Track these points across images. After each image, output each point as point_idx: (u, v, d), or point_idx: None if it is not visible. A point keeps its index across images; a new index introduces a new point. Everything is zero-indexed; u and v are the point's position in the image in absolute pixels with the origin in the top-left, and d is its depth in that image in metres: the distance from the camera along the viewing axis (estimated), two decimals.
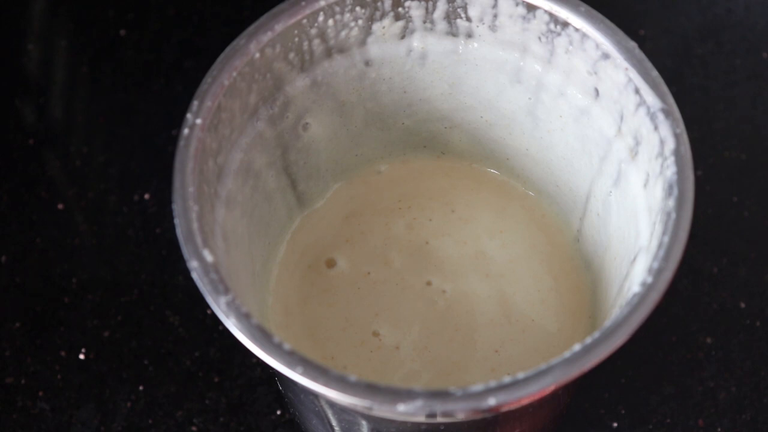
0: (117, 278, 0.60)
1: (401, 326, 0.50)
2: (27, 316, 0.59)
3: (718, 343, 0.58)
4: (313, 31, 0.47)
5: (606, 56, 0.45)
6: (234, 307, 0.40)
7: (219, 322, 0.58)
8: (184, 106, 0.44)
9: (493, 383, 0.39)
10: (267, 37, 0.45)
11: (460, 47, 0.49)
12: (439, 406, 0.38)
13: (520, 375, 0.39)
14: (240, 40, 0.45)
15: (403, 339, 0.50)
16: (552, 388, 0.39)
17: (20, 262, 0.60)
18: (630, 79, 0.44)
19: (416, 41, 0.49)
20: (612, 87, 0.46)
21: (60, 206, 0.61)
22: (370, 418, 0.43)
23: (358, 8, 0.47)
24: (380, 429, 0.44)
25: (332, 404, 0.44)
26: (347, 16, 0.47)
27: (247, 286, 0.47)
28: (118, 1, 0.67)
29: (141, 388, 0.57)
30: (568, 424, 0.56)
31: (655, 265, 0.41)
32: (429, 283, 0.51)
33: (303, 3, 0.46)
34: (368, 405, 0.39)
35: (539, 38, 0.47)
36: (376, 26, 0.48)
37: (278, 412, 0.57)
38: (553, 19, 0.46)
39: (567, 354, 0.39)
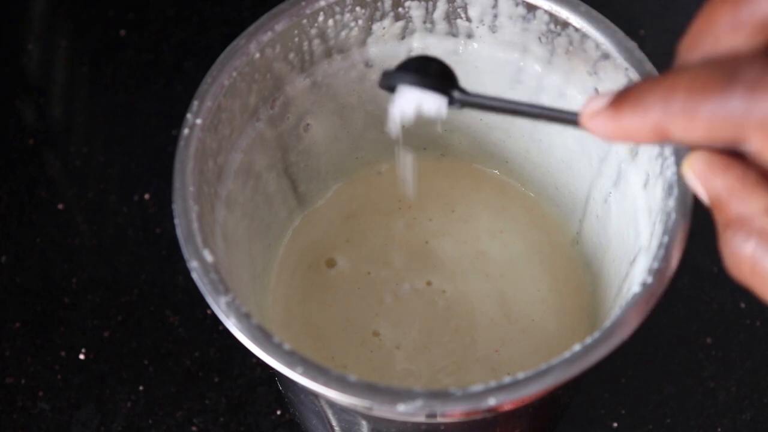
0: (117, 278, 0.60)
1: (401, 326, 0.51)
2: (27, 316, 0.59)
3: (718, 343, 0.58)
4: (313, 31, 0.47)
5: (606, 56, 0.45)
6: (234, 307, 0.40)
7: (219, 322, 0.58)
8: (184, 106, 0.44)
9: (493, 383, 0.39)
10: (267, 37, 0.45)
11: (460, 48, 0.49)
12: (439, 406, 0.38)
13: (520, 375, 0.39)
14: (240, 40, 0.45)
15: (403, 339, 0.50)
16: (552, 388, 0.39)
17: (20, 262, 0.60)
18: (630, 80, 0.44)
19: (416, 42, 0.49)
20: (612, 87, 0.46)
21: (60, 206, 0.61)
22: (370, 418, 0.43)
23: (358, 8, 0.47)
24: (380, 429, 0.44)
25: (332, 404, 0.44)
26: (347, 16, 0.47)
27: (247, 286, 0.47)
28: (118, 1, 0.67)
29: (141, 388, 0.57)
30: (568, 424, 0.56)
31: (655, 265, 0.41)
32: (429, 283, 0.51)
33: (303, 3, 0.46)
34: (368, 405, 0.39)
35: (539, 38, 0.47)
36: (376, 26, 0.48)
37: (278, 412, 0.57)
38: (553, 19, 0.46)
39: (567, 354, 0.39)
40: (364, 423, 0.44)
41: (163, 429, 0.56)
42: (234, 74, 0.45)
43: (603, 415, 0.56)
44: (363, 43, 0.48)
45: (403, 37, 0.49)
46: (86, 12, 0.67)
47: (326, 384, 0.39)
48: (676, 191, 0.42)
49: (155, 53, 0.66)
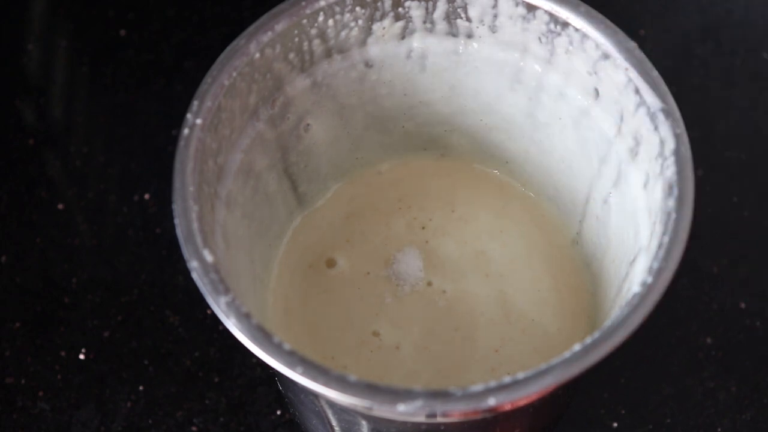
0: (117, 278, 0.60)
1: (401, 326, 0.50)
2: (27, 316, 0.59)
3: (718, 343, 0.58)
4: (313, 31, 0.47)
5: (606, 56, 0.45)
6: (234, 307, 0.40)
7: (219, 322, 0.58)
8: (184, 106, 0.44)
9: (493, 383, 0.39)
10: (267, 37, 0.45)
11: (461, 48, 0.49)
12: (439, 406, 0.38)
13: (520, 375, 0.39)
14: (240, 40, 0.45)
15: (403, 339, 0.50)
16: (552, 388, 0.39)
17: (20, 262, 0.60)
18: (630, 79, 0.44)
19: (416, 42, 0.49)
20: (612, 87, 0.46)
21: (60, 206, 0.61)
22: (370, 418, 0.44)
23: (358, 8, 0.47)
24: (380, 429, 0.44)
25: (332, 404, 0.44)
26: (347, 16, 0.47)
27: (247, 286, 0.47)
28: (118, 1, 0.67)
29: (141, 388, 0.57)
30: (568, 424, 0.56)
31: (655, 265, 0.41)
32: (429, 283, 0.51)
33: (303, 3, 0.46)
34: (368, 405, 0.39)
35: (539, 38, 0.47)
36: (376, 26, 0.48)
37: (278, 412, 0.57)
38: (553, 19, 0.46)
39: (567, 354, 0.39)
40: (364, 423, 0.44)
41: (163, 429, 0.56)
42: (234, 74, 0.45)
43: (603, 415, 0.56)
44: (363, 43, 0.48)
45: (403, 37, 0.49)
46: (86, 12, 0.67)
47: (326, 384, 0.39)
48: (676, 191, 0.42)
49: (155, 53, 0.66)
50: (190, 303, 0.59)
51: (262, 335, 0.40)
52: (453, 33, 0.49)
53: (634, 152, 0.46)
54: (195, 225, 0.42)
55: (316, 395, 0.43)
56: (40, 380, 0.57)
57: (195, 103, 0.44)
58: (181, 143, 0.43)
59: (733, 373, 0.57)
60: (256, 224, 0.49)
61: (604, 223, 0.49)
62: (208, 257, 0.41)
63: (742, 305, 0.59)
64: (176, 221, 0.42)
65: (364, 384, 0.39)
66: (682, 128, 0.43)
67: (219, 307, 0.40)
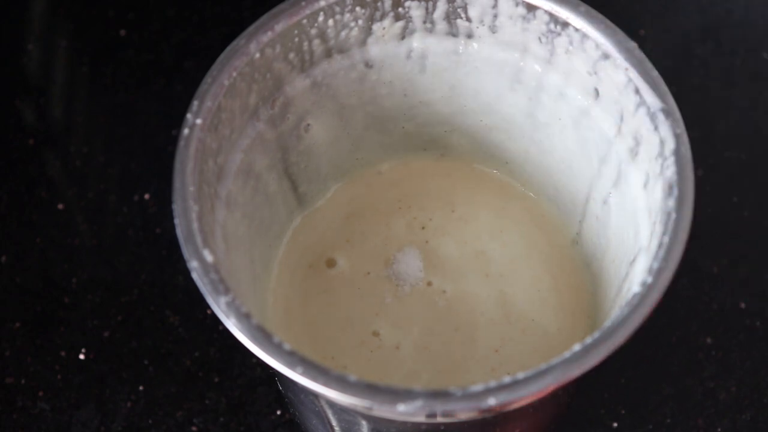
0: (117, 278, 0.60)
1: (401, 326, 0.50)
2: (27, 316, 0.59)
3: (718, 343, 0.58)
4: (313, 31, 0.47)
5: (606, 56, 0.45)
6: (234, 307, 0.40)
7: (219, 322, 0.58)
8: (184, 106, 0.44)
9: (493, 383, 0.39)
10: (267, 37, 0.45)
11: (461, 48, 0.49)
12: (439, 406, 0.38)
13: (520, 375, 0.39)
14: (240, 40, 0.45)
15: (403, 339, 0.50)
16: (552, 388, 0.39)
17: (20, 262, 0.60)
18: (630, 79, 0.44)
19: (416, 42, 0.49)
20: (612, 87, 0.46)
21: (60, 206, 0.61)
22: (370, 418, 0.44)
23: (358, 8, 0.47)
24: (380, 429, 0.44)
25: (332, 404, 0.44)
26: (347, 16, 0.47)
27: (247, 286, 0.47)
28: (118, 1, 0.67)
29: (141, 388, 0.57)
30: (568, 424, 0.56)
31: (655, 265, 0.41)
32: (429, 283, 0.51)
33: (303, 3, 0.46)
34: (368, 405, 0.39)
35: (539, 38, 0.47)
36: (376, 26, 0.48)
37: (278, 412, 0.57)
38: (553, 19, 0.46)
39: (567, 354, 0.39)
40: (364, 423, 0.44)
41: (163, 429, 0.56)
42: (234, 74, 0.45)
43: (603, 415, 0.56)
44: (363, 43, 0.48)
45: (403, 37, 0.49)
46: (86, 12, 0.67)
47: (326, 384, 0.39)
48: (676, 191, 0.42)
49: (155, 53, 0.66)
50: (190, 303, 0.59)
51: (262, 335, 0.40)
52: (453, 33, 0.49)
53: (634, 152, 0.46)
54: (195, 225, 0.42)
55: (316, 395, 0.43)
56: (40, 380, 0.57)
57: (195, 103, 0.44)
58: (181, 143, 0.43)
59: (733, 373, 0.57)
60: (256, 224, 0.49)
61: (604, 223, 0.49)
62: (208, 257, 0.41)
63: (742, 305, 0.59)
64: (176, 221, 0.42)
65: (364, 384, 0.39)
66: (682, 128, 0.43)
67: (219, 307, 0.40)
